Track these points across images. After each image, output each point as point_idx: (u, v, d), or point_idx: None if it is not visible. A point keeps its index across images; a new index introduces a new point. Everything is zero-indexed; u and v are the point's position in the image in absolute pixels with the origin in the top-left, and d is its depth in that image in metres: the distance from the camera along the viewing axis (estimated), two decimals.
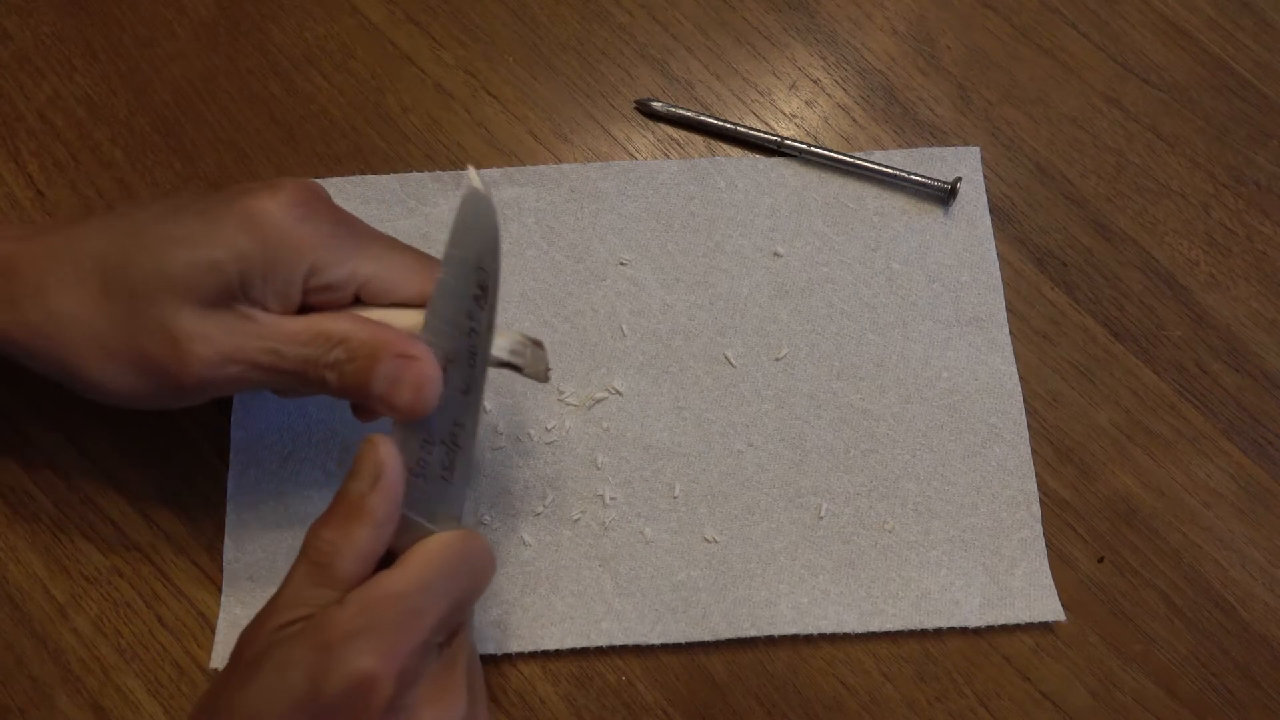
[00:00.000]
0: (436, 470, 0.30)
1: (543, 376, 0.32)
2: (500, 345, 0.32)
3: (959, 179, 0.42)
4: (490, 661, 0.36)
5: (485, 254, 0.29)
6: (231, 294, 0.29)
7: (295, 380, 0.30)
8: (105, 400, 0.30)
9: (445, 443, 0.30)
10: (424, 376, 0.29)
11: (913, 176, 0.42)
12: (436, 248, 0.41)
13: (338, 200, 0.42)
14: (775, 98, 0.45)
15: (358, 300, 0.32)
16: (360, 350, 0.29)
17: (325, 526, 0.28)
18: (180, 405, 0.31)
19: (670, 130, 0.44)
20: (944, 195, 0.42)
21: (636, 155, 0.43)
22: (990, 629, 0.37)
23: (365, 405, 0.30)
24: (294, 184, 0.30)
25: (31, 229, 0.31)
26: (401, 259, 0.32)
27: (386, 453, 0.28)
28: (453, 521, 0.30)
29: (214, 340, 0.29)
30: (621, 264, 0.41)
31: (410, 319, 0.31)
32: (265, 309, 0.30)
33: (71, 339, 0.29)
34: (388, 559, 0.29)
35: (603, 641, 0.36)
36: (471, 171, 0.29)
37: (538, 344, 0.32)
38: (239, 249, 0.29)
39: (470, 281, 0.29)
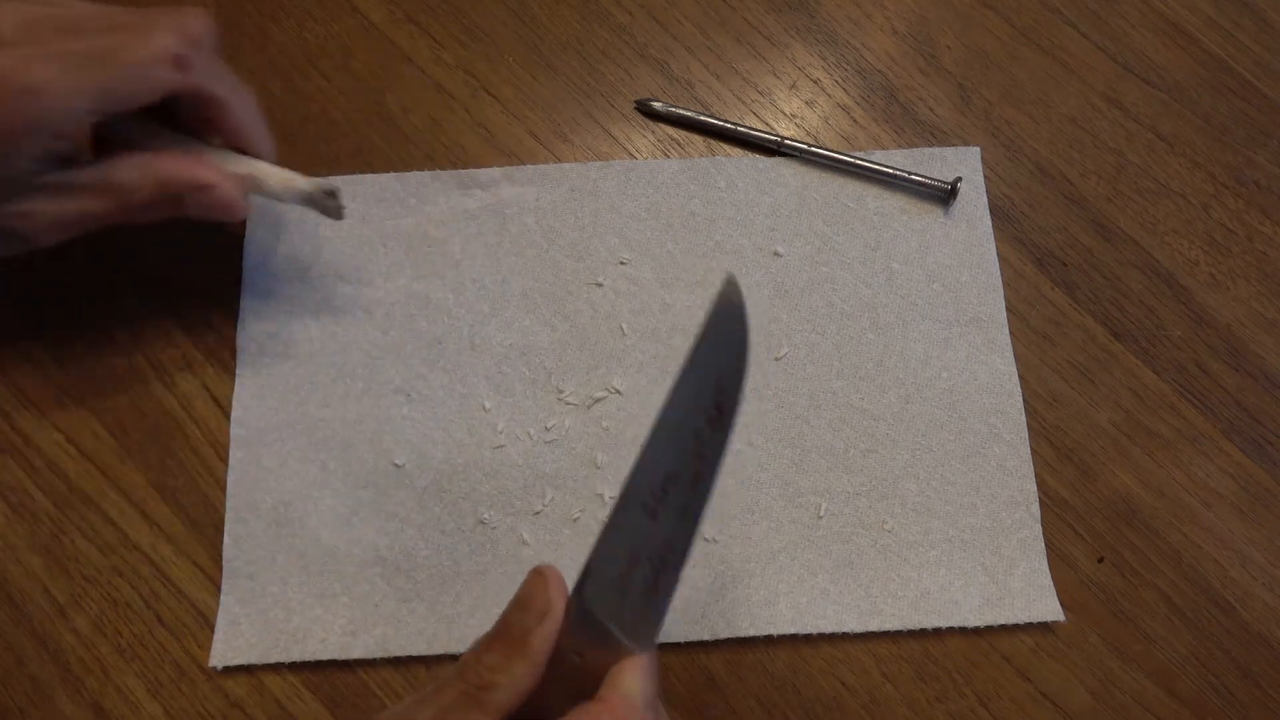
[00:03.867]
0: (640, 587, 0.27)
1: (336, 213, 0.37)
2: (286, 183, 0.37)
3: (959, 179, 0.42)
4: None
5: (729, 373, 0.27)
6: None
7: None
8: None
9: (653, 561, 0.27)
10: (225, 198, 0.35)
11: (913, 176, 0.42)
12: (437, 247, 0.41)
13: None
14: (775, 98, 0.45)
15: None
16: (160, 192, 0.34)
17: (487, 651, 0.27)
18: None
19: (670, 130, 0.44)
20: (944, 195, 0.42)
21: (636, 155, 0.43)
22: (990, 629, 0.37)
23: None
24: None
25: None
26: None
27: (555, 591, 0.28)
28: (649, 639, 0.28)
29: (30, 217, 0.33)
30: (621, 264, 0.41)
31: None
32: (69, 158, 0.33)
33: None
34: (559, 661, 0.27)
35: None
36: (731, 277, 0.27)
37: (330, 193, 0.37)
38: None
39: (707, 399, 0.27)
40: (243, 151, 0.37)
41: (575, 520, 0.38)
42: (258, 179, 0.37)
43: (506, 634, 0.27)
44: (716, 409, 0.27)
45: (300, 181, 0.37)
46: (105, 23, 0.32)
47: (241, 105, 0.36)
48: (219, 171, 0.35)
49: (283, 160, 0.45)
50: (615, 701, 0.26)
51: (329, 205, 0.37)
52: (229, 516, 0.37)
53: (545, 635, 0.27)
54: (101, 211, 0.34)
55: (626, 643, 0.27)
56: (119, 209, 0.34)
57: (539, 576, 0.28)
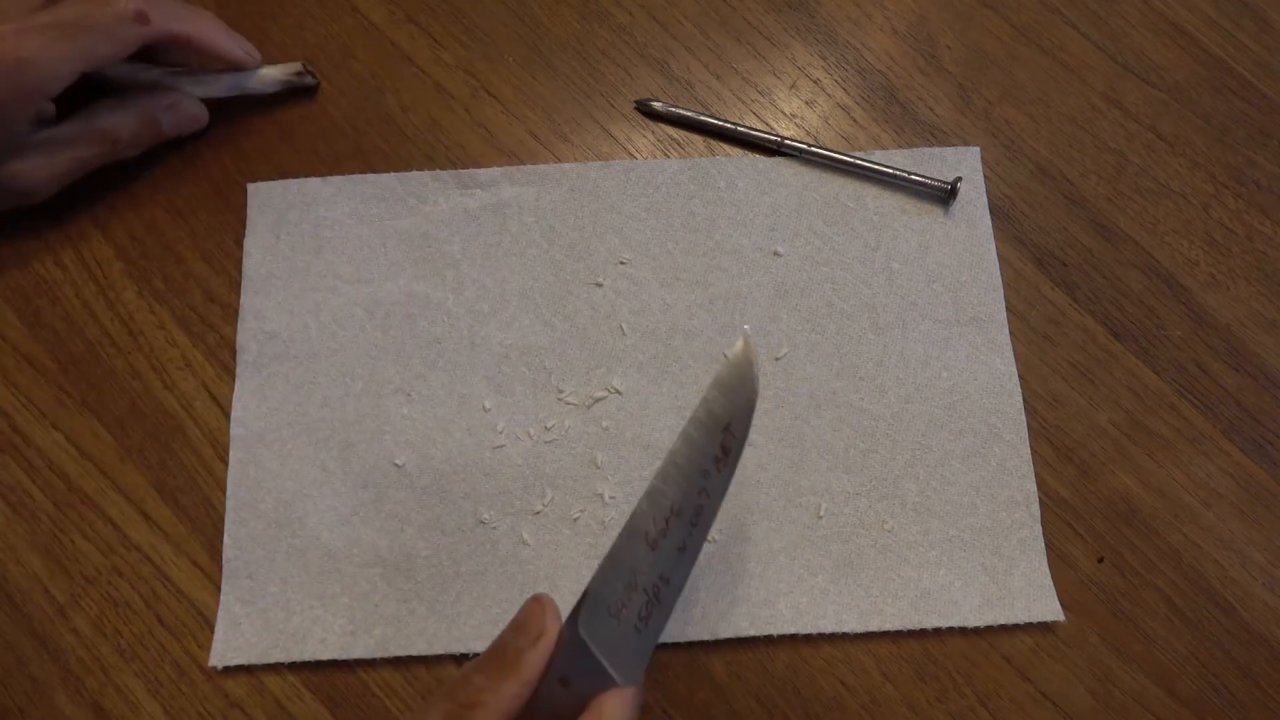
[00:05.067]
0: (633, 618, 0.29)
1: (311, 82, 0.43)
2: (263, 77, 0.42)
3: (959, 179, 0.42)
4: None
5: (738, 418, 0.29)
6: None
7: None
8: None
9: (648, 592, 0.29)
10: (190, 112, 0.41)
11: (913, 176, 0.42)
12: (437, 246, 0.41)
13: (339, 201, 0.42)
14: (775, 98, 0.45)
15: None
16: (140, 124, 0.40)
17: (478, 672, 0.28)
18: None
19: (670, 130, 0.44)
20: (944, 195, 0.42)
21: (636, 155, 0.43)
22: (990, 629, 0.37)
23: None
24: None
25: None
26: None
27: (551, 618, 0.29)
28: (635, 673, 0.29)
29: (31, 173, 0.38)
30: (621, 263, 0.41)
31: None
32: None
33: None
34: (547, 688, 0.28)
35: None
36: (746, 330, 0.30)
37: (300, 71, 0.43)
38: None
39: (714, 440, 0.29)
40: (227, 66, 0.42)
41: (575, 520, 0.38)
42: (237, 82, 0.42)
43: (498, 654, 0.28)
44: (723, 450, 0.29)
45: (273, 71, 0.43)
46: None
47: (205, 31, 0.40)
48: (182, 91, 0.41)
49: (280, 161, 0.45)
50: None
51: (304, 79, 0.43)
52: (229, 516, 0.37)
53: (537, 657, 0.28)
54: (93, 156, 0.39)
55: (613, 673, 0.28)
56: (109, 150, 0.40)
57: (536, 602, 0.29)
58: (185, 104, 0.41)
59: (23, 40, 0.35)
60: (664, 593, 0.29)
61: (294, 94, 0.44)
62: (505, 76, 0.44)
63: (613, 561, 0.29)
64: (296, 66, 0.43)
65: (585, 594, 0.29)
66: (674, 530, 0.29)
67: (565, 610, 0.29)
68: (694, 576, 0.37)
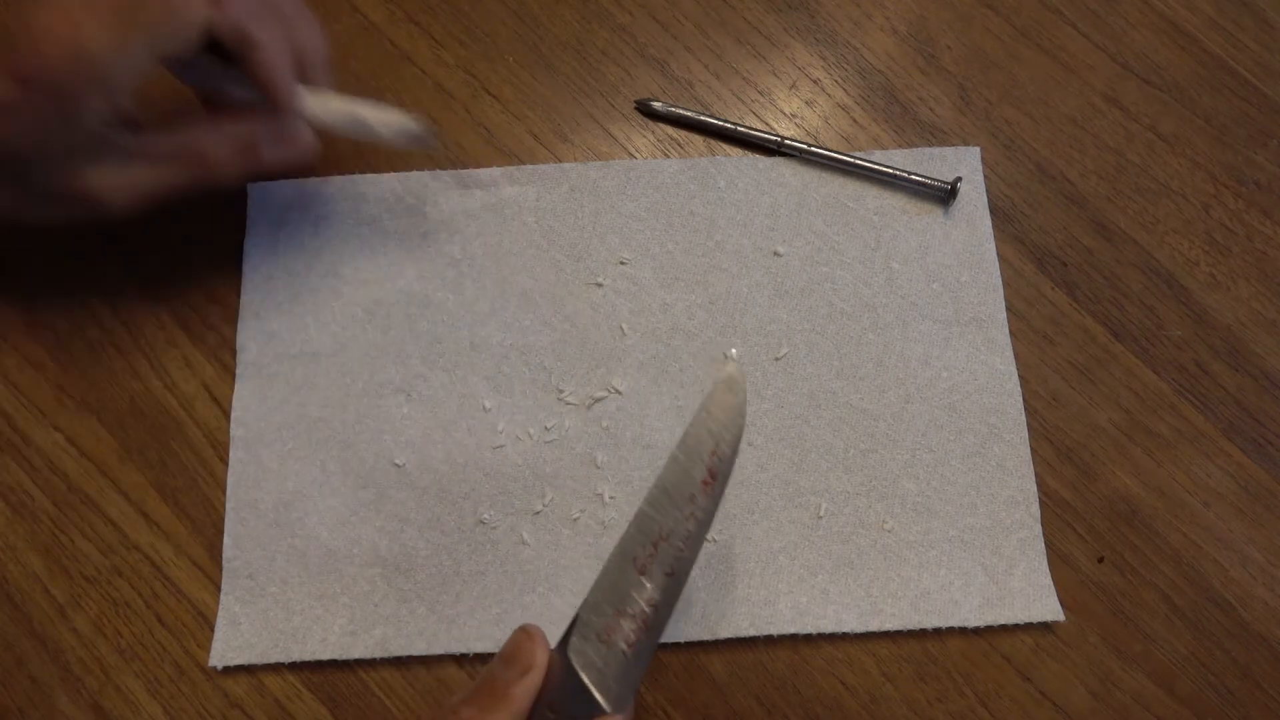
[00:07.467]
0: (621, 643, 0.29)
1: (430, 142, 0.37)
2: (385, 121, 0.36)
3: (959, 179, 0.42)
4: (489, 660, 0.36)
5: (725, 441, 0.30)
6: (90, 134, 0.32)
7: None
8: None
9: (637, 618, 0.29)
10: (299, 142, 0.36)
11: (913, 176, 0.42)
12: (437, 247, 0.41)
13: (339, 201, 0.42)
14: (775, 98, 0.45)
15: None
16: (242, 154, 0.35)
17: (467, 705, 0.28)
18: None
19: (670, 130, 0.44)
20: (944, 195, 0.42)
21: (636, 155, 0.43)
22: (990, 629, 0.37)
23: None
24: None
25: None
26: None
27: (540, 649, 0.29)
28: (623, 701, 0.28)
29: (109, 182, 0.34)
30: (621, 263, 0.41)
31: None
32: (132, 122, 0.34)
33: None
34: (541, 712, 0.28)
35: None
36: (734, 353, 0.31)
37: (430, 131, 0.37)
38: (41, 112, 0.31)
39: (702, 464, 0.29)
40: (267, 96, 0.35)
41: (575, 520, 0.38)
42: (355, 117, 0.37)
43: (490, 687, 0.28)
44: (710, 475, 0.29)
45: (396, 119, 0.37)
46: None
47: (275, 46, 0.34)
48: (292, 117, 0.35)
49: None
50: None
51: (428, 142, 0.38)
52: (229, 516, 0.37)
53: (526, 689, 0.28)
54: (177, 177, 0.35)
55: (601, 701, 0.28)
56: (197, 173, 0.35)
57: (524, 634, 0.29)
58: (295, 134, 0.36)
59: (82, 20, 0.31)
60: (653, 619, 0.29)
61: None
62: (505, 76, 0.44)
63: (602, 587, 0.29)
64: (416, 125, 0.37)
65: (575, 619, 0.29)
66: (663, 555, 0.29)
67: (555, 634, 0.29)
68: (694, 577, 0.37)
